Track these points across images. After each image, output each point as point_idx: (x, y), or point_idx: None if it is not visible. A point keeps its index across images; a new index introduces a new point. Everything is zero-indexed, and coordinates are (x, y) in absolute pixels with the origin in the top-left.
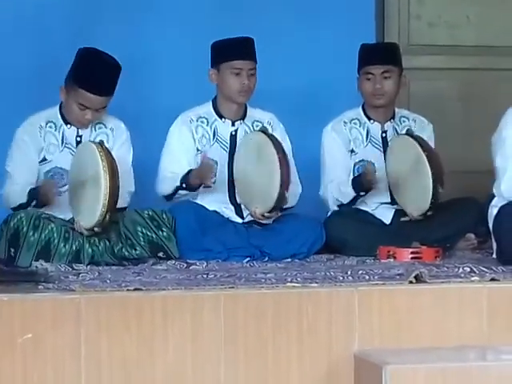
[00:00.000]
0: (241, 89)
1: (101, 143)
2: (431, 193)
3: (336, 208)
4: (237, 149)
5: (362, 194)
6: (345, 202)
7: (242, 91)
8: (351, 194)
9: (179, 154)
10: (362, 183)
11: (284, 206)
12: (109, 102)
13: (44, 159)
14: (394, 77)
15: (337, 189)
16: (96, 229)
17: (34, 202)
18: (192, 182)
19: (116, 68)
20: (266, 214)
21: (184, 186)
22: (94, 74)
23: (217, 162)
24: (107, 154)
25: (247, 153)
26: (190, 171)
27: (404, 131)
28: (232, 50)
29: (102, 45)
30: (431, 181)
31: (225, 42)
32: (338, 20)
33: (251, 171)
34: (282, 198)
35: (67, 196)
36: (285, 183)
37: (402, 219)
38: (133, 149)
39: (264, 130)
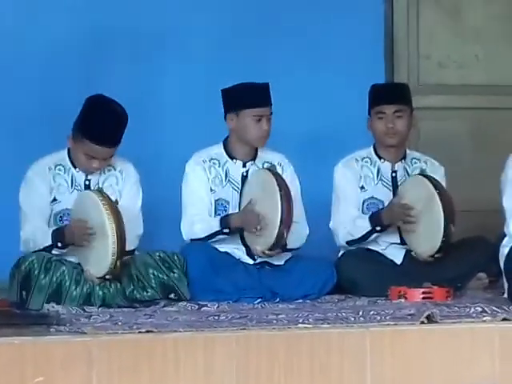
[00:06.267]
0: (262, 135)
1: (100, 190)
2: (443, 232)
3: (345, 244)
4: (243, 187)
5: (378, 229)
6: (356, 237)
7: (262, 137)
8: (366, 227)
9: (201, 193)
10: (383, 217)
11: (287, 247)
12: (116, 150)
13: (54, 199)
14: (405, 116)
15: (350, 222)
16: (107, 276)
17: (59, 244)
18: (233, 227)
19: (123, 118)
20: (266, 252)
21: (226, 231)
22: (100, 126)
23: (228, 203)
24: (109, 201)
25: (252, 190)
26: (228, 215)
27: (415, 172)
28: (253, 97)
29: (111, 85)
30: (443, 220)
31: (245, 88)
32: (348, 60)
33: (256, 208)
34: (281, 236)
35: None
36: (285, 221)
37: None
38: (142, 190)
39: (269, 168)
